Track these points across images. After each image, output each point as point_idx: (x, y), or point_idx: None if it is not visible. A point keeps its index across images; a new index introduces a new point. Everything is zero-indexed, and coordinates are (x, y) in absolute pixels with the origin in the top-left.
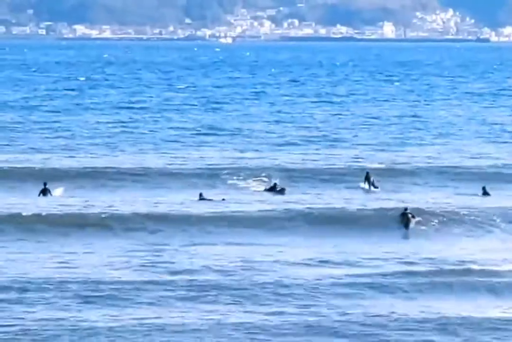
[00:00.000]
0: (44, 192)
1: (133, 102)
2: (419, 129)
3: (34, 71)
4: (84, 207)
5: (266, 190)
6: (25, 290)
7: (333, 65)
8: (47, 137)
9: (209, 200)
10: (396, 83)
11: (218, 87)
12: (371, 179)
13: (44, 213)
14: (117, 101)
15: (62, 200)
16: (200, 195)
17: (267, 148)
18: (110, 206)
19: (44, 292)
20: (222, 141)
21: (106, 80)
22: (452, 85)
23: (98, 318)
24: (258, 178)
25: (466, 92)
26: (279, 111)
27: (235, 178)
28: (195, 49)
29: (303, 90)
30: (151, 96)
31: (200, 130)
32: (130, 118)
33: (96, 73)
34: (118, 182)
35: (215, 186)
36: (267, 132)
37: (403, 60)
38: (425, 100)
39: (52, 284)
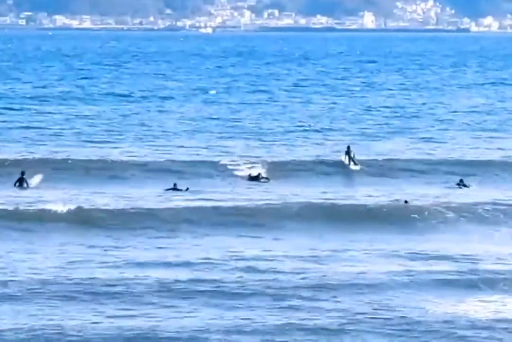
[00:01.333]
0: (21, 181)
1: (131, 92)
2: (416, 118)
3: (21, 62)
4: (57, 200)
5: (250, 178)
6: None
7: (332, 55)
8: (36, 127)
9: (180, 190)
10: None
11: (210, 77)
12: (352, 154)
13: (12, 208)
14: (109, 92)
15: (38, 192)
16: (174, 185)
17: (259, 139)
18: (87, 199)
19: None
20: (217, 131)
21: (104, 70)
22: (453, 76)
23: (68, 317)
24: (246, 166)
25: (471, 83)
26: (276, 101)
27: (221, 167)
28: (181, 39)
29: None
30: (147, 87)
31: (197, 120)
32: (122, 108)
33: (91, 63)
34: (100, 173)
35: (203, 175)
36: (259, 122)
37: (391, 50)
38: (421, 90)
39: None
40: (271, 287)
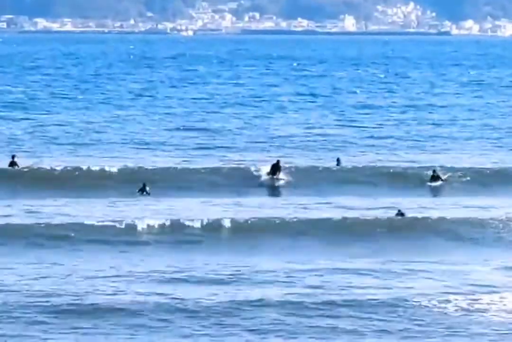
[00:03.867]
0: (12, 165)
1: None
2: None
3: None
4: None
5: (272, 167)
6: None
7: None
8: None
9: (146, 191)
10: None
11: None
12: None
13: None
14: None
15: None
16: (144, 185)
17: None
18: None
19: None
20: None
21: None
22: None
23: None
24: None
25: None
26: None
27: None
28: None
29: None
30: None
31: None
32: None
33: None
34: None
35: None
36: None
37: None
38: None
39: None
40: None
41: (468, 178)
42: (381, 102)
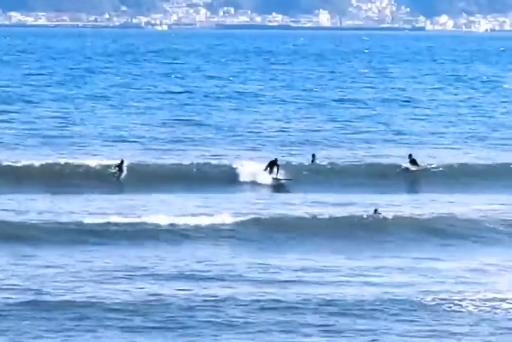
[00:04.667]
0: None
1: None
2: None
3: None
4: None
5: (269, 164)
6: None
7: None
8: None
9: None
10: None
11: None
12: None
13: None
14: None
15: None
16: (122, 161)
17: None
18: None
19: None
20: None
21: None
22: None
23: None
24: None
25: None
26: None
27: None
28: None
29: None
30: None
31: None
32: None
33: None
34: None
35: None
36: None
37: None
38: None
39: None
40: None
41: (445, 173)
42: (361, 96)
